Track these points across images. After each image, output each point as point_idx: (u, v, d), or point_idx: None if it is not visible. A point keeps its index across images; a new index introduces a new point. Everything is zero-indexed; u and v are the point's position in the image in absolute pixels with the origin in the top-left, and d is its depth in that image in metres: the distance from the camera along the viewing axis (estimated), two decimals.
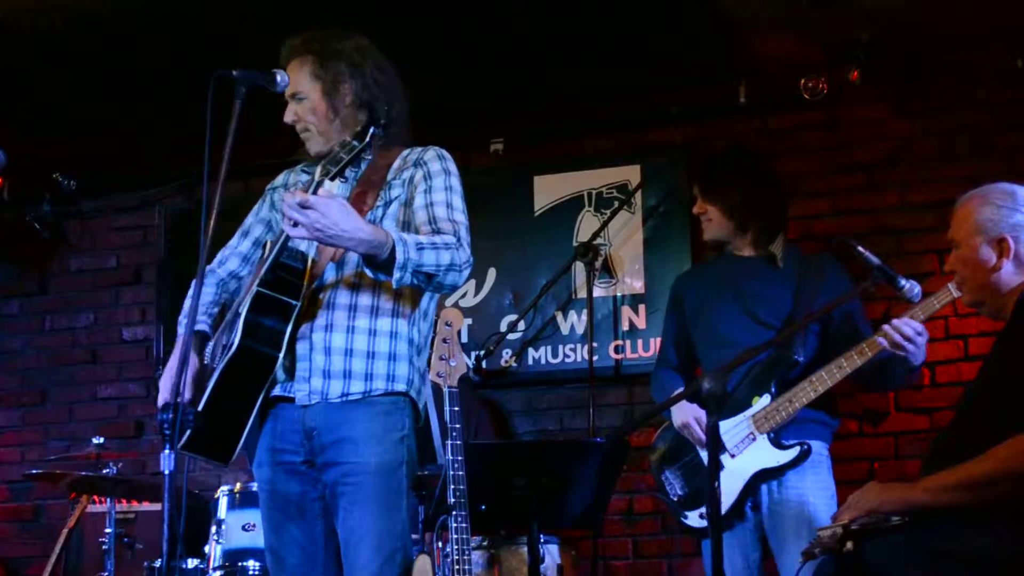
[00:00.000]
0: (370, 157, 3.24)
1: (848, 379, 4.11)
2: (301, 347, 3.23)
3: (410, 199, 3.30)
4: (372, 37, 3.47)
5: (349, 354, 3.21)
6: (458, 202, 3.31)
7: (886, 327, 3.93)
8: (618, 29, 5.24)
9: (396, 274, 3.06)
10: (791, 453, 4.07)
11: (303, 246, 3.28)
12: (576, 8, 5.07)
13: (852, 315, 4.19)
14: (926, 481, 3.03)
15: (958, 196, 3.40)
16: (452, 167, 3.36)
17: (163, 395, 3.20)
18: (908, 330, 3.90)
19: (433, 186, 3.30)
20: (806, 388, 4.04)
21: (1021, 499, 2.89)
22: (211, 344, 3.30)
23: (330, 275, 3.26)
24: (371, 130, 3.15)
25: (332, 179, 3.10)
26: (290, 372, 3.24)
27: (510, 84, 5.70)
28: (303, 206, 2.94)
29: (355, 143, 3.13)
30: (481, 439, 5.20)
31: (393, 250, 3.03)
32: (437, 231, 3.21)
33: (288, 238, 3.13)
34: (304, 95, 3.36)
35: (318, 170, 3.14)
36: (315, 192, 3.06)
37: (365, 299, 3.23)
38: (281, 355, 3.17)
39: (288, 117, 3.39)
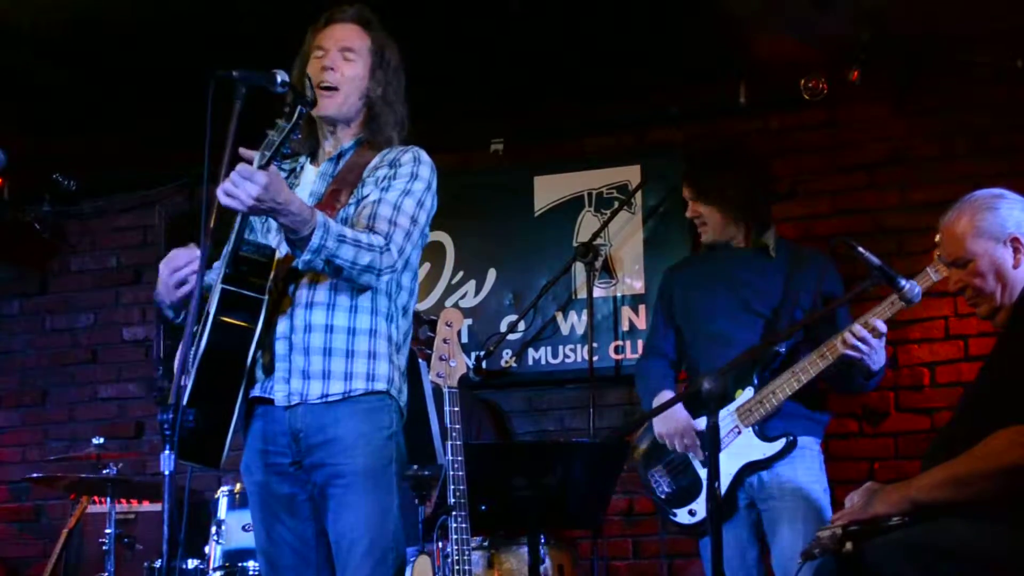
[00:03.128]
0: (297, 136, 3.15)
1: (823, 379, 4.12)
2: (280, 347, 3.20)
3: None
4: None
5: (328, 354, 3.18)
6: (409, 206, 3.24)
7: (844, 332, 3.95)
8: (618, 29, 5.24)
9: (306, 255, 3.03)
10: (777, 445, 4.08)
11: (271, 238, 3.26)
12: (576, 8, 5.07)
13: (838, 318, 4.18)
14: (919, 480, 3.05)
15: (958, 196, 3.40)
16: (423, 171, 3.30)
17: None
18: (862, 332, 3.92)
19: (392, 185, 3.25)
20: (789, 379, 4.05)
21: (1009, 495, 2.90)
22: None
23: (306, 271, 3.20)
24: (299, 109, 3.08)
25: (268, 164, 3.01)
26: (268, 371, 3.22)
27: (510, 84, 5.70)
28: (244, 177, 2.92)
29: (284, 124, 3.07)
30: (482, 440, 5.20)
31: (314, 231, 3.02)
32: (370, 229, 3.17)
33: (243, 229, 3.10)
34: (355, 57, 3.34)
35: (257, 155, 3.10)
36: None
37: (344, 297, 3.20)
38: (252, 351, 3.13)
39: (330, 61, 3.31)
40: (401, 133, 3.41)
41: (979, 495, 2.93)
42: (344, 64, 3.33)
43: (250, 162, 3.01)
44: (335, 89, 3.29)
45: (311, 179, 3.36)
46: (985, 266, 3.25)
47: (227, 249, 3.13)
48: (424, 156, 3.34)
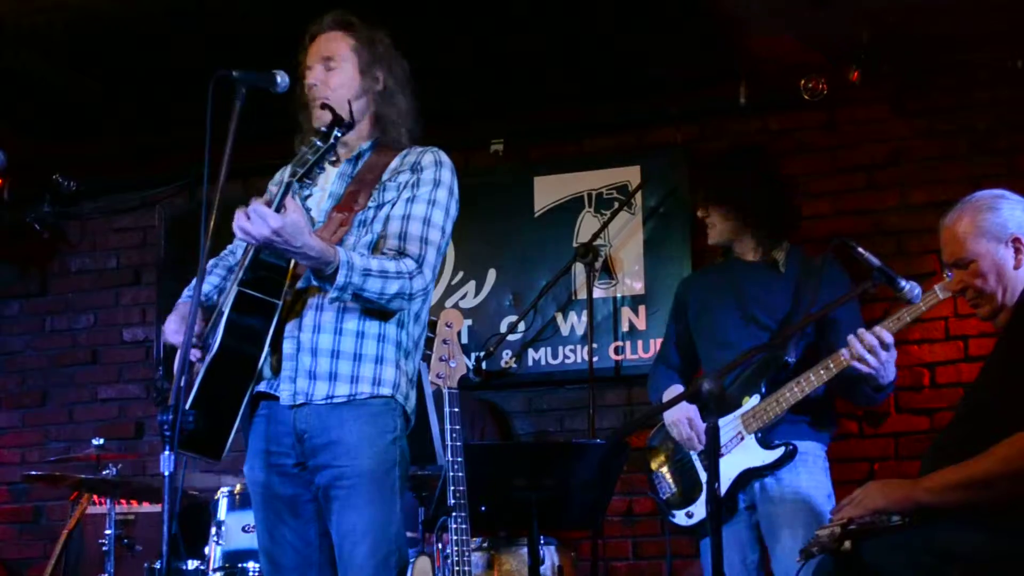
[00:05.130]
0: (332, 157, 3.18)
1: (833, 387, 4.11)
2: (288, 346, 3.21)
3: (396, 202, 3.26)
4: None
5: (336, 356, 3.18)
6: (438, 217, 3.24)
7: (850, 337, 3.92)
8: (618, 29, 5.24)
9: (333, 293, 3.06)
10: (776, 453, 4.08)
11: None
12: (576, 8, 5.07)
13: (838, 323, 4.14)
14: (928, 480, 3.04)
15: (958, 196, 3.40)
16: (444, 176, 3.29)
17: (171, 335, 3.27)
18: (871, 340, 3.89)
19: (417, 196, 3.24)
20: (793, 389, 4.05)
21: (1022, 497, 2.90)
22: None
23: None
24: (335, 131, 3.10)
25: (300, 180, 3.07)
26: (276, 370, 3.22)
27: (510, 84, 5.70)
28: (259, 216, 2.96)
29: (319, 143, 3.09)
30: (488, 440, 5.20)
31: (338, 269, 3.04)
32: (402, 251, 3.17)
33: None
34: (337, 64, 3.31)
35: (288, 171, 3.11)
36: (285, 192, 3.03)
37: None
38: (263, 354, 3.15)
39: (313, 78, 3.31)
40: (414, 127, 3.40)
41: (997, 498, 2.91)
42: (328, 75, 3.31)
43: (275, 196, 3.04)
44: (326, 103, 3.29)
45: (330, 180, 3.35)
46: (986, 267, 3.25)
47: (247, 254, 3.14)
48: (444, 158, 3.33)
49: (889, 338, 3.91)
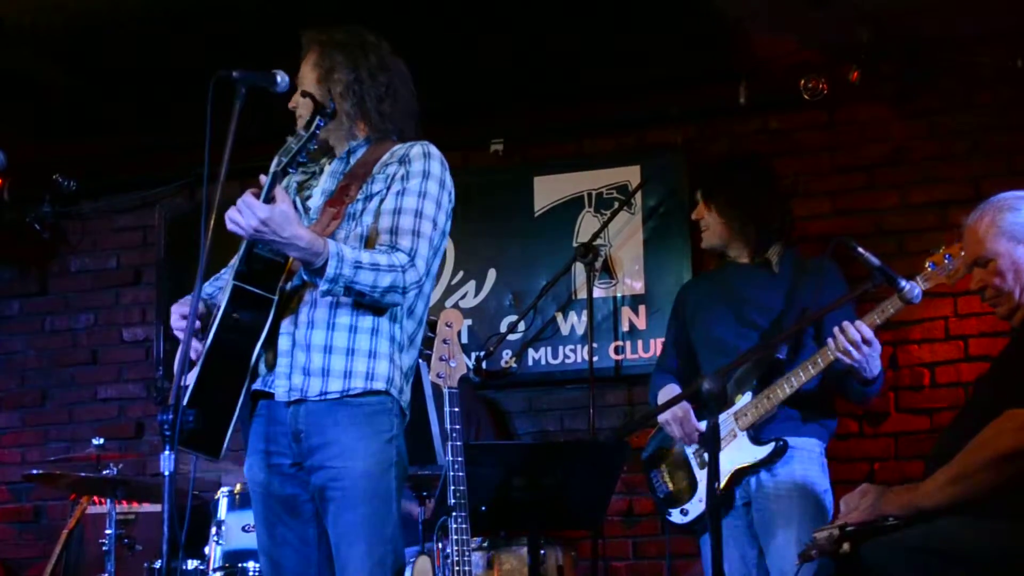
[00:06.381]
0: (314, 146, 3.21)
1: (827, 384, 4.11)
2: (283, 342, 3.21)
3: (385, 195, 3.27)
4: None
5: (328, 351, 3.19)
6: (430, 209, 3.24)
7: (834, 329, 3.93)
8: (618, 29, 5.24)
9: (324, 286, 3.07)
10: (766, 449, 4.09)
11: None
12: (575, 8, 5.07)
13: (831, 323, 4.13)
14: (926, 484, 3.05)
15: (958, 196, 3.40)
16: (434, 167, 3.29)
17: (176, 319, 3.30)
18: (854, 334, 3.89)
19: (407, 189, 3.24)
20: (783, 385, 4.06)
21: (1007, 483, 2.91)
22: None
23: None
24: (316, 119, 3.14)
25: (283, 170, 3.10)
26: (271, 366, 3.23)
27: (510, 84, 5.70)
28: (247, 206, 2.99)
29: (302, 132, 3.14)
30: (482, 440, 5.20)
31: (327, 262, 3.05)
32: (394, 246, 3.18)
33: None
34: (304, 83, 3.37)
35: (273, 161, 3.13)
36: (273, 183, 3.05)
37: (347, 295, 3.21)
38: (257, 349, 3.16)
39: (291, 103, 3.40)
40: (408, 124, 3.41)
41: (978, 487, 2.94)
42: (297, 96, 3.39)
43: (264, 187, 3.06)
44: (301, 117, 3.36)
45: (323, 179, 3.37)
46: (1005, 265, 3.27)
47: (241, 248, 3.15)
48: (433, 150, 3.33)
49: (869, 333, 3.91)
